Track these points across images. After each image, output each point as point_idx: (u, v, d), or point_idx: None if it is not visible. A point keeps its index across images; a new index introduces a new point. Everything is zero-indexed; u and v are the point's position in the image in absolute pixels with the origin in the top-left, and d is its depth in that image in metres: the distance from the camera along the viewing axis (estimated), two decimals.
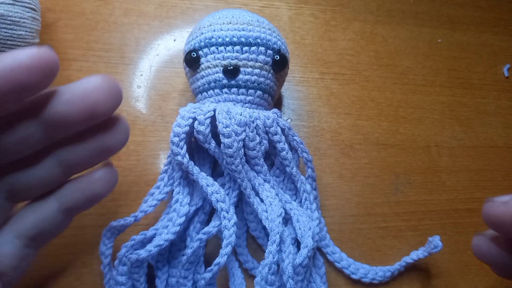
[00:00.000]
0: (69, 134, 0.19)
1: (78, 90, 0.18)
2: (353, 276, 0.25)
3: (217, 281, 0.23)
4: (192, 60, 0.24)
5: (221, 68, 0.24)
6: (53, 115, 0.17)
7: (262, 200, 0.23)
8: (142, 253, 0.21)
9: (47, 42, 0.30)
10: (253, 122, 0.23)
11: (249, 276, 0.25)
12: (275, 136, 0.24)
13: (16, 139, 0.18)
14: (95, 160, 0.20)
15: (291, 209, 0.24)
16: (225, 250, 0.21)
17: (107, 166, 0.21)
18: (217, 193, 0.22)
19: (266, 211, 0.22)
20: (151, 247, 0.21)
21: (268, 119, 0.24)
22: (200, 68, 0.24)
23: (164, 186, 0.24)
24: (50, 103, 0.17)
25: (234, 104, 0.24)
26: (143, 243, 0.22)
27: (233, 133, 0.22)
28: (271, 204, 0.23)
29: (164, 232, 0.22)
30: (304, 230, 0.23)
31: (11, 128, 0.18)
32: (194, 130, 0.23)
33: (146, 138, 0.28)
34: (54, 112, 0.17)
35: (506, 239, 0.19)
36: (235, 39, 0.24)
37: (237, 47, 0.24)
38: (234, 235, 0.21)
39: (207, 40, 0.24)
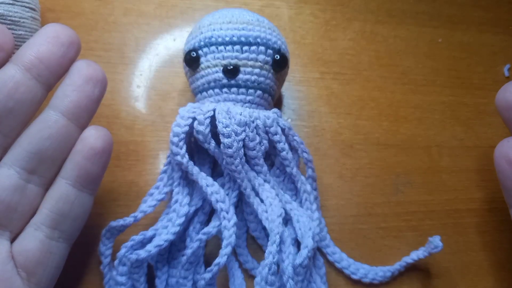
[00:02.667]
0: (57, 79, 0.20)
1: (42, 34, 0.20)
2: (353, 276, 0.25)
3: (217, 281, 0.23)
4: (191, 60, 0.24)
5: (221, 68, 0.24)
6: (28, 57, 0.19)
7: (262, 201, 0.23)
8: (142, 253, 0.21)
9: None
10: (253, 122, 0.23)
11: (249, 276, 0.25)
12: (275, 136, 0.24)
13: (7, 89, 0.18)
14: (94, 107, 0.21)
15: (291, 209, 0.24)
16: (225, 250, 0.21)
17: (91, 126, 0.21)
18: (217, 193, 0.22)
19: (266, 212, 0.22)
20: (151, 247, 0.21)
21: (268, 119, 0.24)
22: (199, 68, 0.24)
23: (163, 186, 0.24)
24: (23, 49, 0.19)
25: (234, 104, 0.24)
26: (142, 243, 0.22)
27: (233, 133, 0.22)
28: (271, 204, 0.23)
29: (164, 232, 0.22)
30: (304, 230, 0.23)
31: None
32: (194, 130, 0.23)
33: (145, 138, 0.28)
34: (28, 54, 0.19)
35: None
36: (235, 39, 0.23)
37: (237, 47, 0.24)
38: (234, 235, 0.21)
39: (206, 40, 0.24)
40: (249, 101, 0.24)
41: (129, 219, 0.23)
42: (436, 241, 0.24)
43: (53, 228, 0.20)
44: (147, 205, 0.23)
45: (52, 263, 0.20)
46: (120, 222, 0.23)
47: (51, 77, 0.20)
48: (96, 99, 0.21)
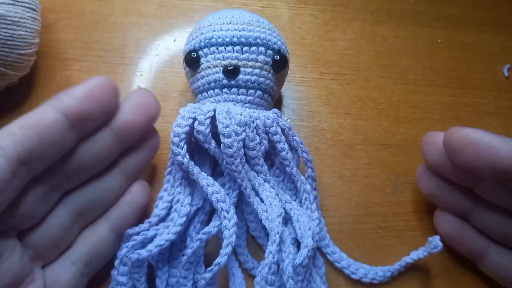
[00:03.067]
0: (133, 142, 0.22)
1: (136, 101, 0.22)
2: (353, 276, 0.25)
3: (217, 281, 0.23)
4: (192, 60, 0.24)
5: (221, 68, 0.24)
6: (121, 122, 0.21)
7: (262, 200, 0.23)
8: (143, 253, 0.21)
9: (47, 42, 0.30)
10: (253, 122, 0.23)
11: (249, 276, 0.25)
12: (275, 136, 0.24)
13: (96, 149, 0.20)
14: (146, 164, 0.24)
15: (291, 209, 0.24)
16: (225, 250, 0.21)
17: (139, 180, 0.24)
18: (217, 193, 0.22)
19: (266, 211, 0.22)
20: (152, 247, 0.21)
21: (268, 119, 0.24)
22: (200, 68, 0.24)
23: (171, 187, 0.24)
24: (117, 114, 0.21)
25: (234, 104, 0.24)
26: (143, 243, 0.22)
27: (233, 133, 0.22)
28: (271, 204, 0.23)
29: (165, 232, 0.22)
30: (304, 230, 0.23)
31: (92, 137, 0.20)
32: (194, 130, 0.23)
33: None
34: (122, 120, 0.21)
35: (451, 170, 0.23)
36: (235, 39, 0.24)
37: (237, 47, 0.24)
38: (234, 235, 0.21)
39: (207, 40, 0.24)
40: (249, 102, 0.24)
41: (144, 226, 0.23)
42: (435, 241, 0.24)
43: (86, 265, 0.21)
44: (159, 208, 0.23)
45: None
46: (136, 229, 0.23)
47: (129, 143, 0.22)
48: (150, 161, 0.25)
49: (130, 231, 0.23)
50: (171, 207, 0.24)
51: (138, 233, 0.23)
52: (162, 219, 0.24)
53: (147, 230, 0.23)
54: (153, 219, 0.23)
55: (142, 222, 0.23)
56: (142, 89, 0.22)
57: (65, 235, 0.21)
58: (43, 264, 0.21)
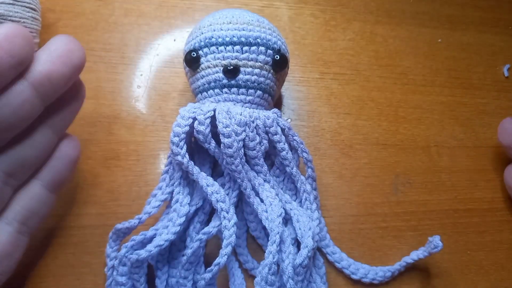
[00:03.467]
0: (57, 95, 0.20)
1: (54, 49, 0.19)
2: (353, 276, 0.25)
3: (217, 281, 0.23)
4: (192, 60, 0.24)
5: (221, 68, 0.24)
6: (39, 73, 0.19)
7: (262, 200, 0.23)
8: (142, 253, 0.21)
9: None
10: (253, 122, 0.23)
11: (249, 276, 0.25)
12: (275, 136, 0.24)
13: (15, 104, 0.19)
14: (74, 117, 0.23)
15: (291, 209, 0.24)
16: (225, 250, 0.21)
17: (67, 135, 0.23)
18: (217, 193, 0.22)
19: (266, 211, 0.22)
20: (151, 247, 0.21)
21: (268, 119, 0.24)
22: (200, 68, 0.24)
23: (166, 186, 0.24)
24: (33, 65, 0.19)
25: (234, 104, 0.24)
26: (143, 243, 0.22)
27: (233, 133, 0.22)
28: (271, 204, 0.23)
29: (164, 232, 0.22)
30: (304, 230, 0.23)
31: (7, 92, 0.19)
32: (194, 130, 0.23)
33: (146, 138, 0.28)
34: (39, 71, 0.19)
35: None
36: (235, 39, 0.24)
37: (237, 47, 0.24)
38: (234, 235, 0.21)
39: (207, 40, 0.24)
40: (249, 101, 0.24)
41: (134, 221, 0.23)
42: (435, 241, 0.24)
43: (23, 224, 0.21)
44: (151, 206, 0.23)
45: (17, 255, 0.21)
46: (125, 224, 0.23)
47: (53, 96, 0.20)
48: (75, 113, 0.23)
49: (118, 225, 0.23)
50: (165, 206, 0.24)
51: (127, 228, 0.23)
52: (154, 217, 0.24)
53: (136, 225, 0.23)
54: (143, 215, 0.23)
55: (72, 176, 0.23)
56: (62, 35, 0.20)
57: None
58: None
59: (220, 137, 0.22)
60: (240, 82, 0.24)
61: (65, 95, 0.21)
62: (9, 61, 0.18)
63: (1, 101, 0.18)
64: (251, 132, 0.23)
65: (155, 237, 0.22)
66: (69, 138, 0.23)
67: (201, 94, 0.25)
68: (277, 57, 0.24)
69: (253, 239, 0.26)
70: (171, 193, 0.24)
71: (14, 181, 0.21)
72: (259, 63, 0.24)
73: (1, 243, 0.20)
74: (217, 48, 0.24)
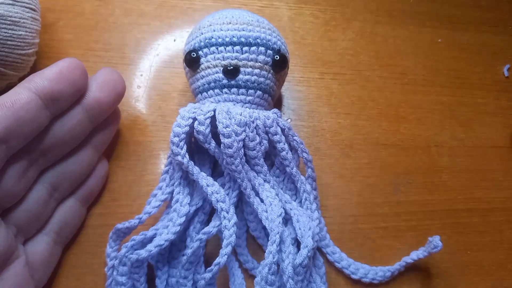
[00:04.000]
0: (103, 118, 0.24)
1: (102, 79, 0.23)
2: (353, 276, 0.25)
3: (217, 281, 0.23)
4: (192, 60, 0.24)
5: (221, 68, 0.24)
6: (91, 99, 0.22)
7: (262, 200, 0.23)
8: (143, 253, 0.21)
9: (47, 42, 0.30)
10: (253, 122, 0.23)
11: (249, 276, 0.25)
12: (275, 136, 0.24)
13: (70, 126, 0.22)
14: (111, 138, 0.26)
15: (291, 209, 0.24)
16: (225, 250, 0.21)
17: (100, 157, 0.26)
18: (217, 193, 0.22)
19: (266, 211, 0.22)
20: (152, 247, 0.21)
21: (268, 119, 0.24)
22: (200, 68, 0.24)
23: (166, 186, 0.24)
24: (87, 92, 0.23)
25: (234, 104, 0.24)
26: (143, 243, 0.22)
27: (233, 133, 0.22)
28: (271, 204, 0.23)
29: (165, 232, 0.22)
30: (304, 230, 0.23)
31: (65, 115, 0.22)
32: (194, 130, 0.23)
33: (146, 138, 0.28)
34: (91, 97, 0.22)
35: None
36: (235, 39, 0.24)
37: (237, 47, 0.24)
38: (234, 235, 0.21)
39: (207, 40, 0.24)
40: (249, 102, 0.24)
41: (134, 221, 0.23)
42: (435, 241, 0.24)
43: (58, 235, 0.23)
44: (151, 206, 0.23)
45: (53, 264, 0.23)
46: (126, 224, 0.23)
47: (100, 119, 0.24)
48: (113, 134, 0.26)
49: (119, 225, 0.23)
50: (165, 206, 0.24)
51: (127, 228, 0.23)
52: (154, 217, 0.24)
53: (136, 225, 0.23)
54: (143, 215, 0.23)
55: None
56: (107, 68, 0.24)
57: (43, 210, 0.22)
58: (24, 239, 0.22)
59: (220, 137, 0.22)
60: (240, 82, 0.24)
61: (106, 118, 0.24)
62: (70, 89, 0.21)
63: (60, 122, 0.22)
64: (251, 132, 0.23)
65: (155, 237, 0.22)
66: (105, 163, 0.26)
67: (201, 94, 0.25)
68: (277, 57, 0.24)
69: (253, 239, 0.26)
70: (171, 193, 0.24)
71: (58, 194, 0.23)
72: (259, 63, 0.24)
73: (40, 252, 0.22)
74: (217, 48, 0.24)
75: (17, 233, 0.21)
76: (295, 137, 0.25)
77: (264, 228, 0.25)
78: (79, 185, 0.24)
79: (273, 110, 0.25)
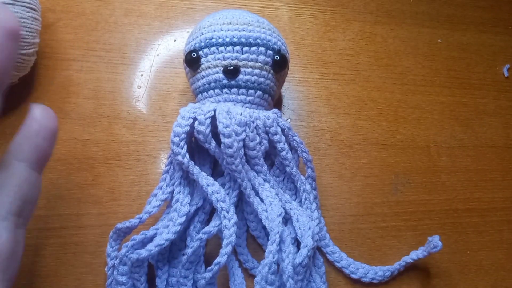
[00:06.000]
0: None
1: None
2: (353, 276, 0.25)
3: (217, 281, 0.23)
4: (192, 60, 0.24)
5: (221, 68, 0.24)
6: None
7: (262, 200, 0.23)
8: (143, 252, 0.21)
9: (47, 42, 0.30)
10: (253, 122, 0.23)
11: (249, 275, 0.25)
12: (275, 136, 0.24)
13: None
14: None
15: (291, 208, 0.24)
16: (225, 249, 0.21)
17: (38, 105, 0.20)
18: (217, 193, 0.22)
19: (266, 211, 0.22)
20: (152, 247, 0.21)
21: (268, 119, 0.24)
22: (200, 68, 0.24)
23: (166, 186, 0.24)
24: None
25: (234, 104, 0.24)
26: (143, 243, 0.22)
27: (233, 133, 0.22)
28: (271, 203, 0.23)
29: (165, 231, 0.22)
30: (304, 229, 0.23)
31: None
32: (195, 130, 0.23)
33: (146, 138, 0.28)
34: None
35: None
36: (235, 40, 0.24)
37: (237, 48, 0.24)
38: (234, 234, 0.21)
39: (207, 41, 0.24)
40: (249, 102, 0.24)
41: (134, 221, 0.23)
42: (435, 240, 0.24)
43: (18, 216, 0.19)
44: (151, 206, 0.23)
45: (20, 252, 0.19)
46: (126, 223, 0.23)
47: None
48: None
49: (119, 225, 0.23)
50: (165, 205, 0.24)
51: (127, 228, 0.23)
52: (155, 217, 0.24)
53: (136, 225, 0.23)
54: (144, 215, 0.23)
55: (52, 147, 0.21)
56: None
57: None
58: None
59: (221, 137, 0.22)
60: (240, 82, 0.24)
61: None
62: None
63: None
64: (251, 132, 0.23)
65: (155, 236, 0.22)
66: (41, 108, 0.20)
67: (202, 94, 0.25)
68: (277, 57, 0.24)
69: (253, 238, 0.26)
70: (172, 192, 0.24)
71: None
72: (259, 64, 0.24)
73: (3, 243, 0.18)
74: (217, 48, 0.24)
75: None
76: (295, 137, 0.25)
77: (264, 227, 0.25)
78: (25, 150, 0.19)
79: (273, 110, 0.25)
